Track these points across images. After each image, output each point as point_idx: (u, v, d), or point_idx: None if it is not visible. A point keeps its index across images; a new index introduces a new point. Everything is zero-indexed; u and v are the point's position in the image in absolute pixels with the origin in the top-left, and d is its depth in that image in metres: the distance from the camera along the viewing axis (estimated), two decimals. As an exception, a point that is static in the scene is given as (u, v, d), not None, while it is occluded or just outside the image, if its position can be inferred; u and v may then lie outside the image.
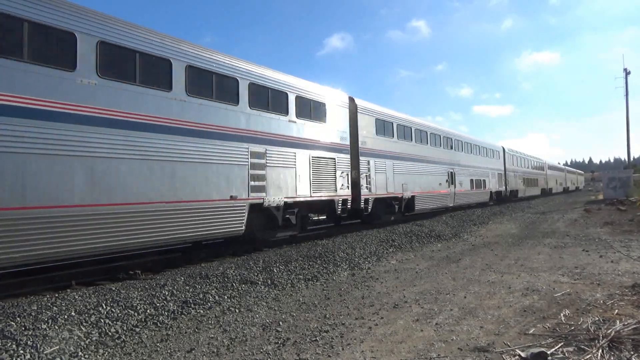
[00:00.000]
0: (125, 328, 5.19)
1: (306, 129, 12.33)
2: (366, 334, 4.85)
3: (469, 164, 25.68)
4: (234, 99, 10.07)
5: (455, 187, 22.78)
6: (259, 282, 7.52)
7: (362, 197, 14.68)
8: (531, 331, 4.69)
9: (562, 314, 5.21)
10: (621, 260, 8.64)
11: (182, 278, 7.75)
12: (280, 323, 5.34)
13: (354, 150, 14.60)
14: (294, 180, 11.63)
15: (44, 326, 4.97)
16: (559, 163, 76.23)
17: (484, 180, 28.09)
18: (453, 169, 22.87)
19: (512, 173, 35.04)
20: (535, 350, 4.00)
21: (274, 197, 11.00)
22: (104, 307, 5.77)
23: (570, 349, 4.10)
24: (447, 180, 21.86)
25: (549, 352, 3.95)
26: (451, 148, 23.26)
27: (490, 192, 29.31)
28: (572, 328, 4.68)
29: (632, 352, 3.94)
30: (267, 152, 10.88)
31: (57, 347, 4.48)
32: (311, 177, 12.23)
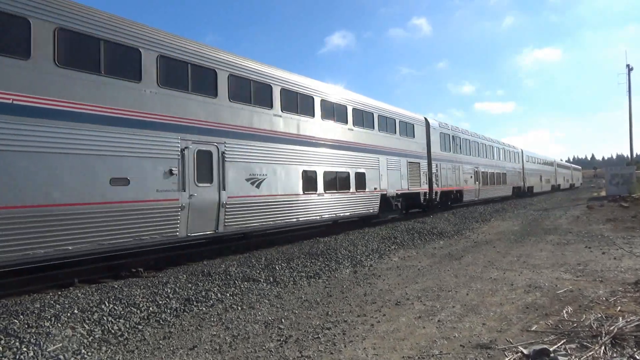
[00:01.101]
0: (127, 326, 5.21)
1: None
2: (368, 331, 4.86)
3: (305, 137, 12.50)
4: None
5: (222, 189, 9.89)
6: (261, 280, 7.53)
7: None
8: (533, 328, 4.69)
9: (564, 311, 5.20)
10: (624, 257, 8.62)
11: (185, 276, 7.77)
12: (283, 320, 5.35)
13: None
14: None
15: (47, 324, 4.99)
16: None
17: (361, 175, 14.85)
18: (221, 146, 9.98)
19: (450, 164, 22.64)
20: (538, 347, 3.99)
21: None
22: (107, 304, 5.79)
23: (573, 345, 4.09)
24: (169, 171, 8.82)
25: (551, 349, 3.94)
26: (214, 95, 9.98)
27: (383, 195, 16.08)
28: (575, 325, 4.67)
29: (634, 349, 3.93)
30: None
31: (60, 344, 4.49)
32: None
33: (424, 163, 19.85)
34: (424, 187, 19.70)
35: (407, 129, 18.85)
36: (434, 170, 20.68)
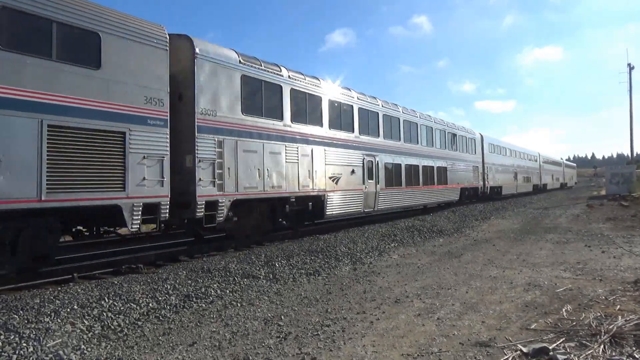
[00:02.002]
0: (127, 321, 5.21)
1: None
2: (368, 328, 4.86)
3: None
4: None
5: None
6: (261, 277, 7.53)
7: None
8: (533, 326, 4.69)
9: (564, 310, 5.20)
10: (623, 255, 8.63)
11: (184, 272, 7.77)
12: (282, 317, 5.36)
13: None
14: None
15: (47, 319, 4.99)
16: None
17: None
18: None
19: (277, 145, 11.56)
20: (537, 345, 4.00)
21: None
22: (107, 300, 5.79)
23: (572, 344, 4.09)
24: None
25: (550, 348, 3.95)
26: None
27: None
28: (574, 323, 4.68)
29: (634, 348, 3.93)
30: None
31: (60, 340, 4.50)
32: None
33: (148, 136, 8.43)
34: (145, 193, 8.26)
35: (61, 42, 7.26)
36: (202, 155, 9.56)
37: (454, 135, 24.04)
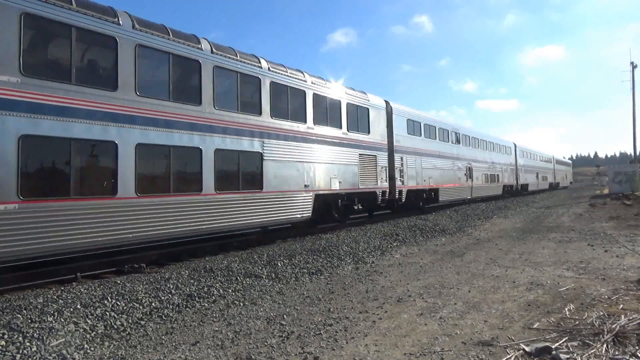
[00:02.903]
0: (130, 321, 5.23)
1: None
2: (370, 327, 4.86)
3: None
4: None
5: None
6: (263, 276, 7.54)
7: None
8: (535, 326, 4.68)
9: (566, 309, 5.19)
10: (626, 254, 8.60)
11: (187, 272, 7.79)
12: (285, 316, 5.36)
13: None
14: None
15: (50, 319, 5.01)
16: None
17: None
18: None
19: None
20: (540, 344, 3.99)
21: None
22: (110, 300, 5.81)
23: (575, 343, 4.08)
24: None
25: (553, 347, 3.94)
26: None
27: None
28: (577, 323, 4.67)
29: (636, 347, 3.92)
30: None
31: (63, 339, 4.51)
32: None
33: None
34: None
35: None
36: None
37: (299, 91, 12.54)
